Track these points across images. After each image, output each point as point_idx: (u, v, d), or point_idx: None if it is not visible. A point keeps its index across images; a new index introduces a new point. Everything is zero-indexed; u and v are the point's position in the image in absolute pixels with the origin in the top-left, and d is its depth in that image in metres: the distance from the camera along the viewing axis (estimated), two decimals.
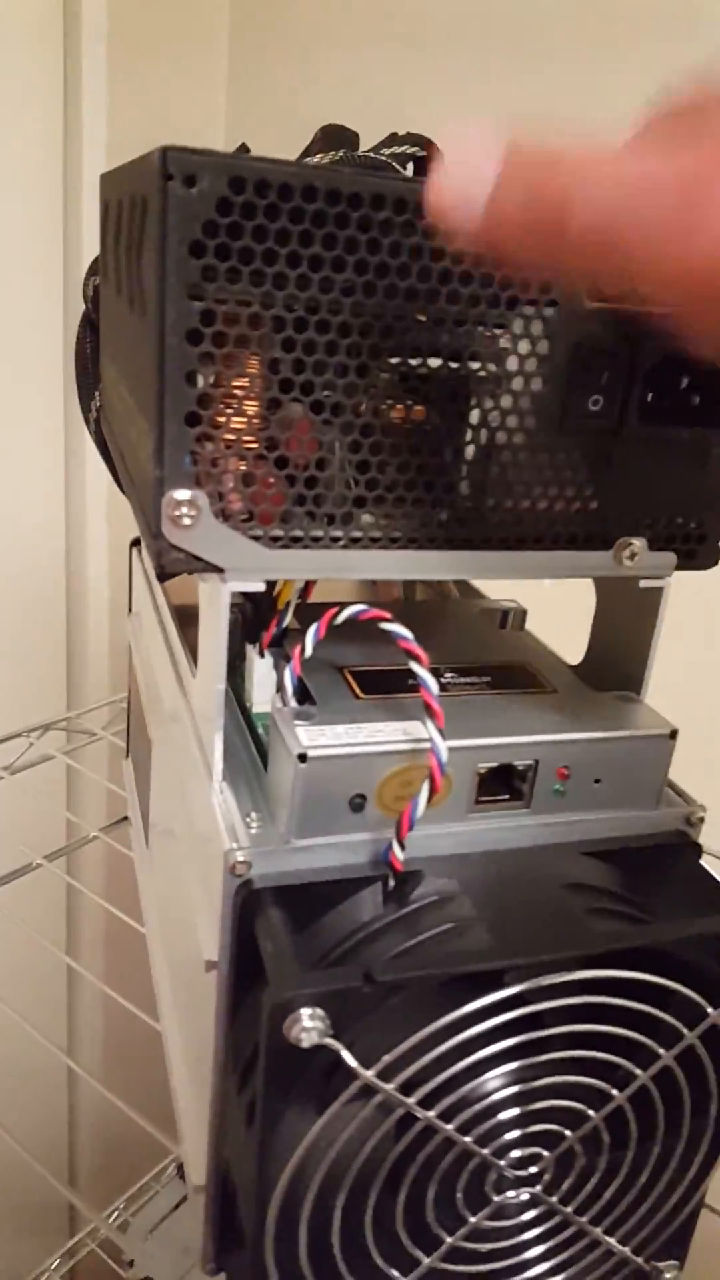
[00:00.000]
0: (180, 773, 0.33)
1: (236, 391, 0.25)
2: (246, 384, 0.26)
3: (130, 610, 0.48)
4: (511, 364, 0.26)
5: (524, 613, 0.38)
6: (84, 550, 0.71)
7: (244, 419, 0.26)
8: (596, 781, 0.28)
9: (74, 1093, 0.87)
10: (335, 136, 0.42)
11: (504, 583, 0.40)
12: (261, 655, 0.31)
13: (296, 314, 0.25)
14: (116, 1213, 0.58)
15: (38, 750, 0.56)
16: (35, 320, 0.70)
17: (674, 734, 0.29)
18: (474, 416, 0.27)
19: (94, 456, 0.55)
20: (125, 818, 0.51)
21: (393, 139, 0.41)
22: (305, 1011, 0.22)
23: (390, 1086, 0.23)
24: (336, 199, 0.24)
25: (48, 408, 0.71)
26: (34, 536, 0.72)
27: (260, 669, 0.31)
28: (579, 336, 0.26)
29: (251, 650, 0.31)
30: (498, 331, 0.26)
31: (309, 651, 0.28)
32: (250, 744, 0.30)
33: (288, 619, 0.31)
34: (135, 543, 0.48)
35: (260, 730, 0.31)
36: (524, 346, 0.26)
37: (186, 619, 0.37)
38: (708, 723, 0.58)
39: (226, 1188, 0.29)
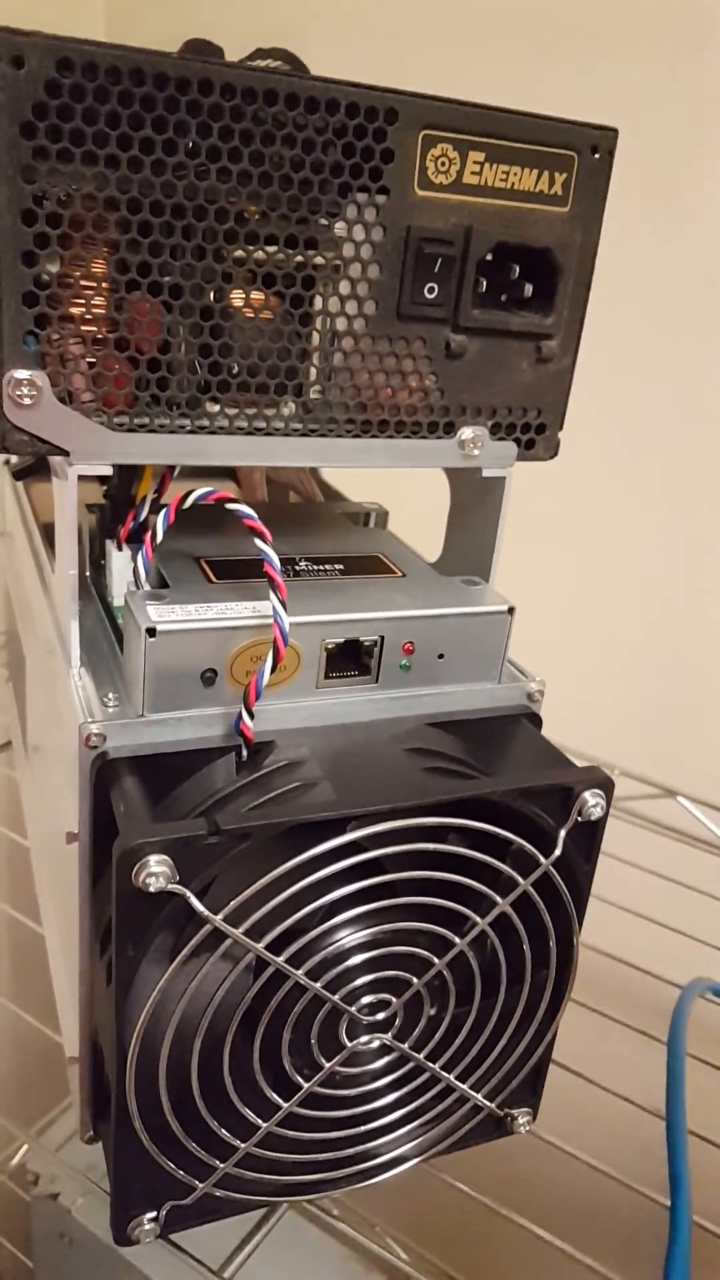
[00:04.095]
0: (48, 672, 0.34)
1: (78, 274, 0.26)
2: (87, 267, 0.26)
3: (3, 530, 0.47)
4: (348, 251, 0.27)
5: (385, 514, 0.39)
6: None
7: (85, 301, 0.26)
8: (440, 657, 0.30)
9: None
10: (198, 48, 0.42)
11: (374, 484, 0.41)
12: (120, 549, 0.32)
13: (130, 195, 0.25)
14: (29, 1140, 0.59)
15: None
16: None
17: (511, 610, 0.30)
18: (316, 304, 0.28)
19: None
20: (9, 742, 0.50)
21: (258, 54, 0.41)
22: (153, 858, 0.23)
23: (238, 931, 0.24)
24: (164, 83, 0.24)
25: None
26: None
27: (118, 561, 0.31)
28: (412, 224, 0.27)
29: (110, 545, 0.32)
30: (333, 218, 0.27)
31: (160, 536, 0.28)
32: (110, 635, 0.31)
33: (144, 513, 0.31)
34: (5, 462, 0.47)
35: (119, 621, 0.31)
36: (359, 233, 0.27)
37: (53, 536, 0.37)
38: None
39: (97, 1055, 0.30)
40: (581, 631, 0.64)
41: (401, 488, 0.42)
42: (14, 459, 0.41)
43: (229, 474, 0.42)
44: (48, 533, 0.37)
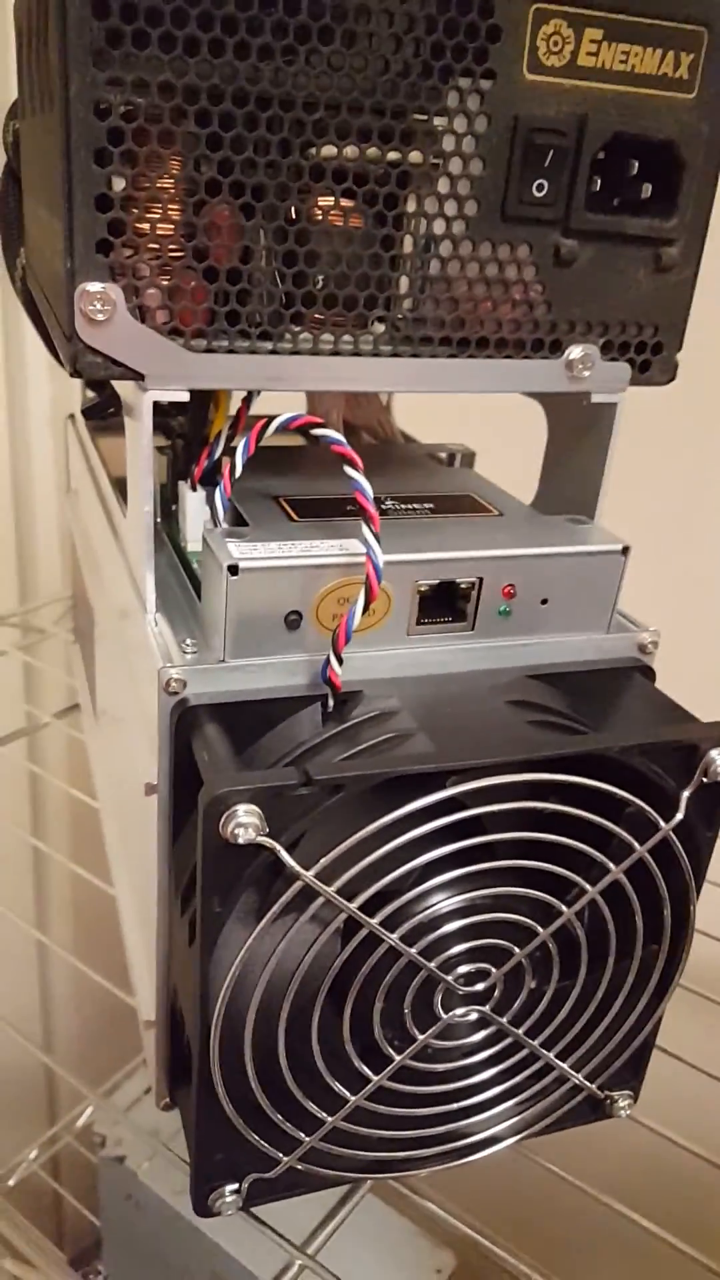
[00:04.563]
0: (120, 623, 0.32)
1: (153, 179, 0.23)
2: (163, 171, 0.24)
3: (69, 488, 0.46)
4: (448, 145, 0.25)
5: (472, 454, 0.36)
6: (28, 440, 0.69)
7: (161, 208, 0.24)
8: (544, 602, 0.27)
9: (47, 982, 0.88)
10: None
11: (451, 431, 0.38)
12: (193, 490, 0.29)
13: (210, 84, 0.23)
14: (96, 1101, 0.59)
15: None
16: None
17: (626, 550, 0.28)
18: (410, 207, 0.25)
19: (34, 337, 0.52)
20: (77, 705, 0.49)
21: None
22: (241, 808, 0.21)
23: (331, 889, 0.22)
24: None
25: None
26: None
27: (193, 503, 0.29)
28: (520, 113, 0.24)
29: (183, 486, 0.30)
30: (431, 108, 0.24)
31: (239, 469, 0.26)
32: (186, 582, 0.29)
33: (219, 450, 0.29)
34: (70, 417, 0.46)
35: (196, 567, 0.29)
36: (460, 124, 0.24)
37: (124, 489, 0.35)
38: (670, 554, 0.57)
39: (175, 1019, 0.28)
40: (696, 575, 0.59)
41: (484, 433, 0.39)
42: (83, 400, 0.39)
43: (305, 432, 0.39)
44: (118, 485, 0.35)
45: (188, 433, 0.31)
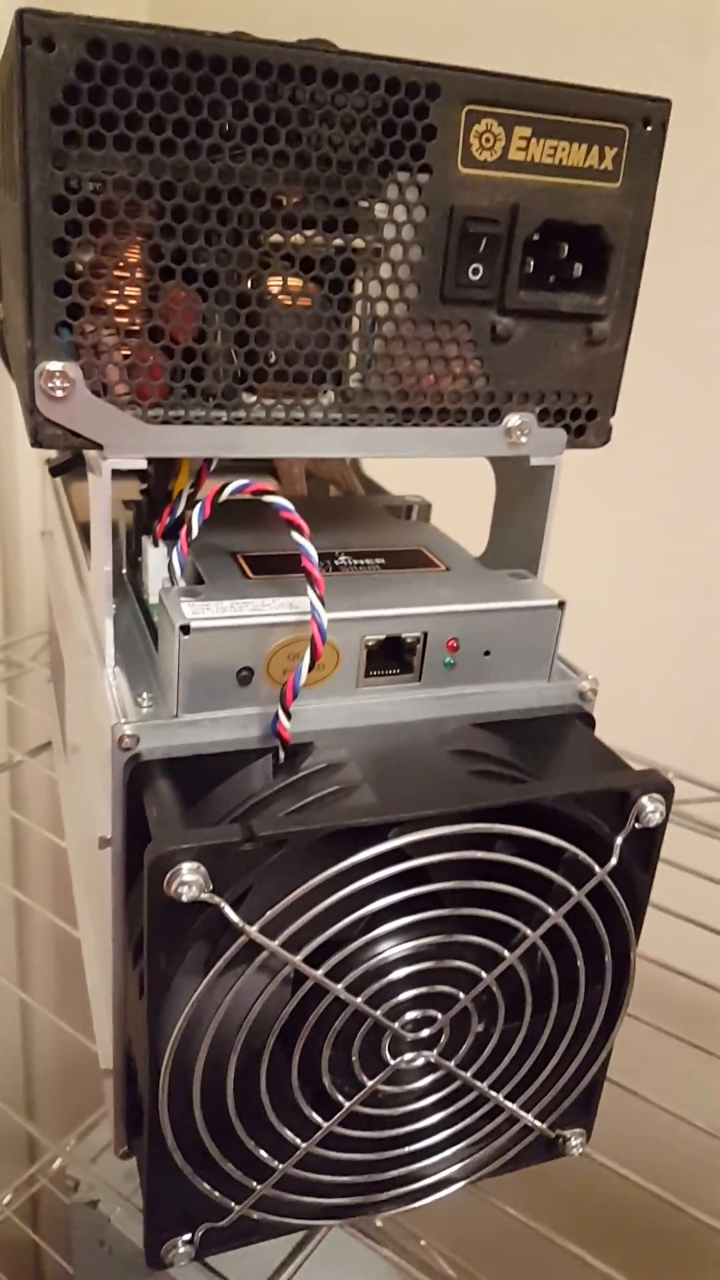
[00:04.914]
0: (83, 671, 0.33)
1: (110, 263, 0.25)
2: (121, 256, 0.25)
3: (43, 531, 0.47)
4: (389, 233, 0.26)
5: (428, 506, 0.38)
6: (14, 477, 0.70)
7: (119, 291, 0.25)
8: (486, 654, 0.29)
9: (28, 1028, 0.88)
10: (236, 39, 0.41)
11: (416, 476, 0.40)
12: (156, 545, 0.31)
13: (164, 180, 0.24)
14: (69, 1146, 0.58)
15: None
16: None
17: (562, 605, 0.29)
18: (356, 289, 0.27)
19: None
20: (49, 743, 0.50)
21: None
22: (185, 866, 0.22)
23: (275, 943, 0.23)
24: (198, 62, 0.23)
25: None
26: None
27: (154, 558, 0.31)
28: (455, 203, 0.26)
29: (146, 541, 0.31)
30: (373, 199, 0.26)
31: (195, 531, 0.27)
32: (147, 635, 0.30)
33: (180, 508, 0.31)
34: (48, 462, 0.47)
35: (156, 619, 0.31)
36: (400, 214, 0.26)
37: (89, 535, 0.36)
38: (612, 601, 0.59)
39: (131, 1069, 0.29)
40: (632, 625, 0.62)
41: (444, 480, 0.40)
42: (52, 455, 0.41)
43: (268, 468, 0.41)
44: (86, 531, 0.37)
45: (152, 490, 0.32)
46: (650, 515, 0.60)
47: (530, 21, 0.56)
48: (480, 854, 0.25)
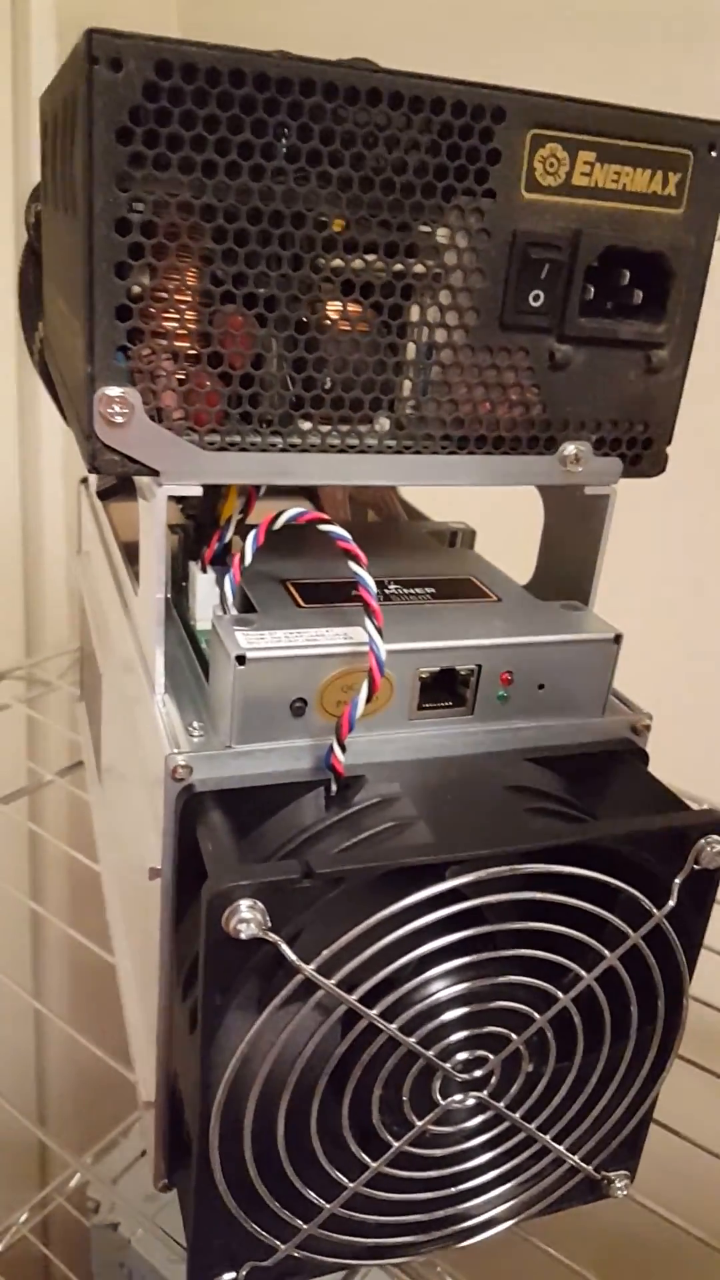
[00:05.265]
0: (127, 696, 0.33)
1: (170, 289, 0.25)
2: (180, 281, 0.25)
3: (79, 550, 0.47)
4: (449, 259, 0.26)
5: (473, 533, 0.37)
6: (40, 495, 0.70)
7: (178, 316, 0.25)
8: (540, 687, 0.28)
9: (42, 1041, 0.87)
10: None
11: (453, 501, 0.40)
12: (204, 571, 0.30)
13: (227, 204, 0.24)
14: (88, 1163, 0.58)
15: None
16: None
17: (618, 639, 0.28)
18: (413, 315, 0.26)
19: (48, 398, 0.54)
20: (81, 762, 0.50)
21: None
22: (244, 903, 0.22)
23: (331, 982, 0.23)
24: (265, 84, 0.23)
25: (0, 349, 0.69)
26: None
27: (203, 584, 0.30)
28: (518, 229, 0.26)
29: (194, 567, 0.31)
30: (434, 224, 0.26)
31: (249, 558, 0.27)
32: (194, 661, 0.30)
33: (229, 534, 0.30)
34: (84, 481, 0.47)
35: (204, 646, 0.30)
36: (461, 240, 0.26)
37: (133, 555, 0.36)
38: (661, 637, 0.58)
39: (175, 1101, 0.28)
40: (689, 658, 0.61)
41: (482, 505, 0.40)
42: (93, 479, 0.40)
43: (308, 492, 0.40)
44: (128, 552, 0.36)
45: (200, 514, 0.32)
46: (699, 543, 0.59)
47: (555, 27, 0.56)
48: (541, 895, 0.24)
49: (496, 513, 0.40)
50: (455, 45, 0.60)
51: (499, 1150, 0.28)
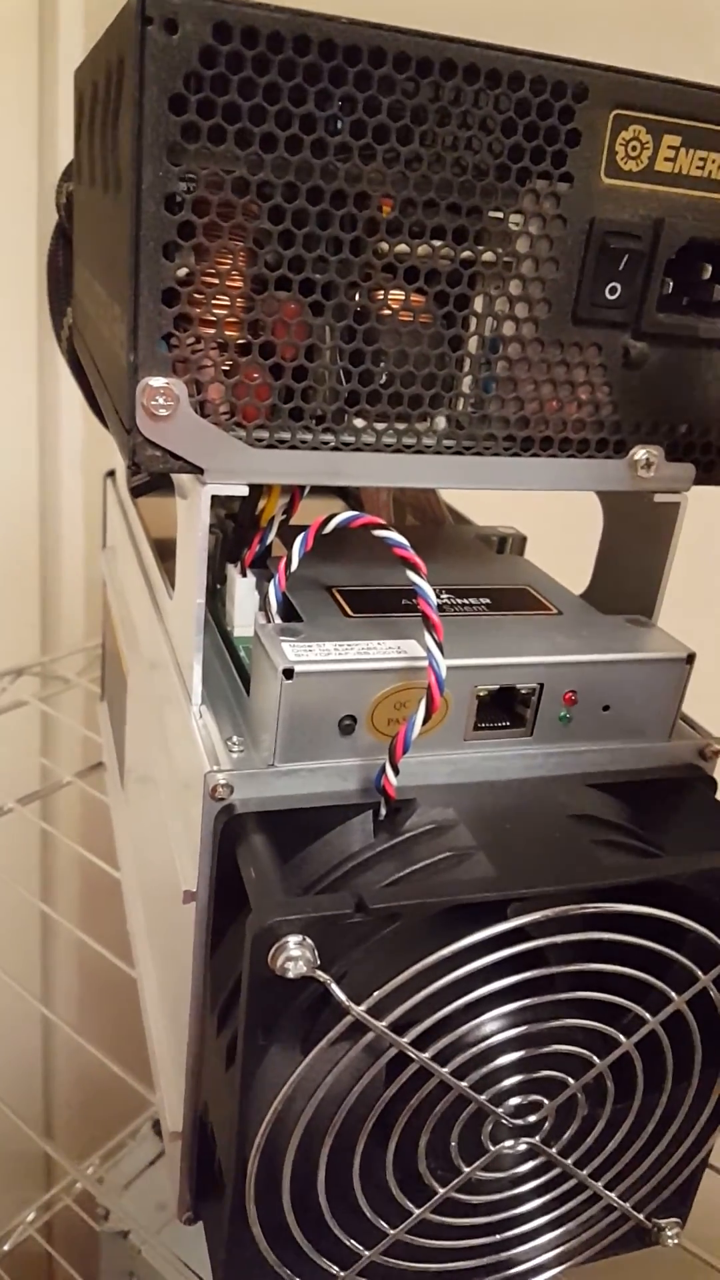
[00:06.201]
0: (158, 704, 0.31)
1: (221, 273, 0.23)
2: (231, 265, 0.23)
3: (105, 545, 0.45)
4: (521, 246, 0.24)
5: (523, 539, 0.36)
6: (58, 488, 0.69)
7: (228, 302, 0.23)
8: (605, 709, 0.26)
9: (49, 1044, 0.86)
10: None
11: (503, 505, 0.38)
12: (243, 575, 0.29)
13: (285, 181, 0.22)
14: (92, 1168, 0.57)
15: (10, 695, 0.53)
16: (6, 246, 0.66)
17: (691, 658, 0.27)
18: (479, 306, 0.25)
19: (69, 387, 0.52)
20: (100, 763, 0.48)
21: None
22: (293, 939, 0.20)
23: (382, 1024, 0.21)
24: (332, 52, 0.21)
25: (21, 336, 0.68)
26: (6, 481, 0.69)
27: (242, 589, 0.29)
28: (596, 216, 0.24)
29: (233, 570, 0.29)
30: (506, 209, 0.24)
31: (295, 563, 0.25)
32: (232, 669, 0.28)
33: (271, 536, 0.29)
34: (110, 474, 0.45)
35: (242, 654, 0.28)
36: (535, 226, 0.24)
37: (164, 552, 0.34)
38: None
39: (204, 1134, 0.27)
40: None
41: (519, 507, 0.38)
42: (121, 472, 0.39)
43: (344, 492, 0.39)
44: (159, 549, 0.35)
45: (239, 515, 0.30)
46: None
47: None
48: (611, 935, 0.22)
49: (540, 516, 0.38)
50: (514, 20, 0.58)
51: (548, 1196, 0.27)
